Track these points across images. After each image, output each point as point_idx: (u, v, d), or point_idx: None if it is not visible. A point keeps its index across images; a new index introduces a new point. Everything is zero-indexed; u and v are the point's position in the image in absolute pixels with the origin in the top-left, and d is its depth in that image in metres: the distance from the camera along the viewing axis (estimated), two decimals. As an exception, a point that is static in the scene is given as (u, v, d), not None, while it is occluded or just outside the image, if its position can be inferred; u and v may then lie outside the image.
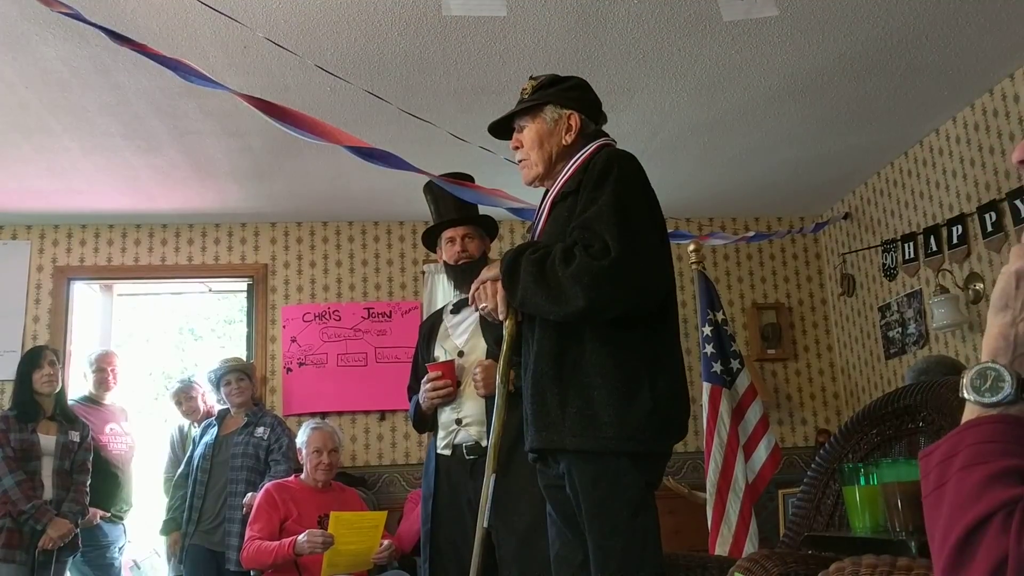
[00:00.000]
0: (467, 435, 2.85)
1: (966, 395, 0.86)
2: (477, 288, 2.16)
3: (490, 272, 2.12)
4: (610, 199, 1.97)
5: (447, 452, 2.89)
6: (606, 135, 2.25)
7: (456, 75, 3.79)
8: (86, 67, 3.60)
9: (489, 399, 2.70)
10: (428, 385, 2.88)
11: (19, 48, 3.43)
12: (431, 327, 3.12)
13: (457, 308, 3.05)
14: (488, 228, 3.08)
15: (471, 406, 2.86)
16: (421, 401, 2.93)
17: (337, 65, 3.55)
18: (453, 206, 3.06)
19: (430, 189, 3.11)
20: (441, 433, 2.92)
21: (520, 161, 2.23)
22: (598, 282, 1.89)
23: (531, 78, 2.28)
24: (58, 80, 3.69)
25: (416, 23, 3.38)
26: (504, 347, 2.17)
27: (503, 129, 2.29)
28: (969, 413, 0.86)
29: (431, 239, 3.12)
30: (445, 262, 3.03)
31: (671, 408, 2.00)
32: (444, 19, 3.34)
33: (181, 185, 4.98)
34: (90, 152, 4.44)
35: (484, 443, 2.75)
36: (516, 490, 2.64)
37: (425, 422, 3.00)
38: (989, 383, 0.85)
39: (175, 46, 3.33)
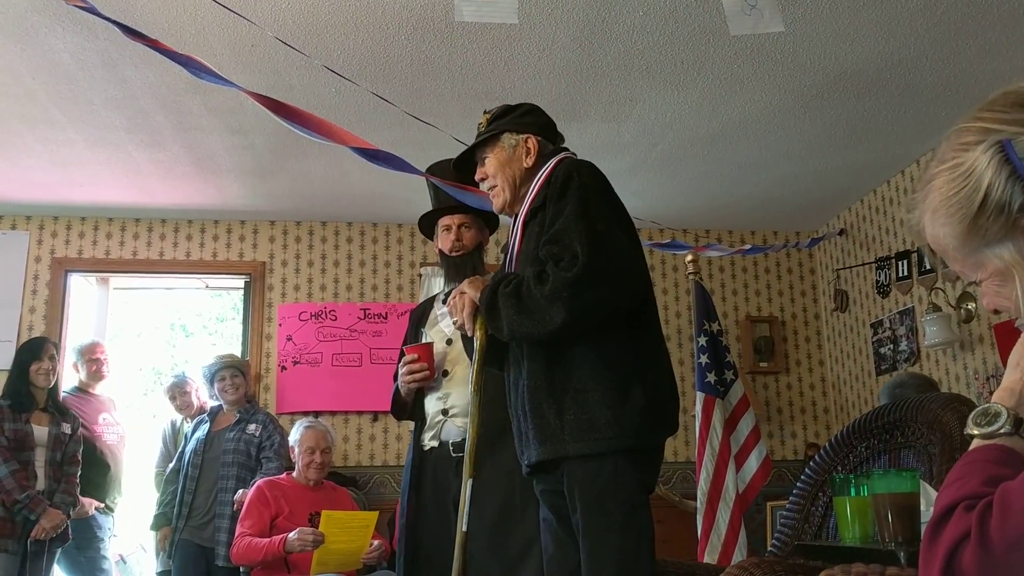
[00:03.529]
0: (453, 428, 2.75)
1: (970, 430, 0.98)
2: (454, 300, 2.20)
3: (469, 288, 2.16)
4: (574, 208, 2.02)
5: (434, 444, 2.80)
6: (565, 149, 2.31)
7: (461, 80, 3.82)
8: (93, 60, 3.62)
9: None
10: (404, 368, 2.79)
11: (28, 39, 3.45)
12: (421, 314, 3.05)
13: (448, 297, 3.02)
14: (488, 218, 3.00)
15: (459, 396, 2.75)
16: (399, 385, 2.86)
17: (343, 66, 3.58)
18: (444, 195, 2.97)
19: (432, 172, 3.04)
20: (428, 423, 2.83)
21: (490, 190, 2.30)
22: (576, 292, 1.93)
23: (485, 112, 2.36)
24: (65, 72, 3.71)
25: (423, 28, 3.42)
26: (476, 357, 2.21)
27: (468, 166, 2.37)
28: (973, 445, 0.98)
29: (429, 225, 3.01)
30: (440, 251, 2.96)
31: (665, 402, 2.05)
32: (451, 24, 3.37)
33: (182, 180, 5.00)
34: (93, 145, 4.46)
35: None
36: (483, 483, 2.57)
37: (403, 408, 2.92)
38: (988, 418, 0.97)
39: (183, 42, 3.35)
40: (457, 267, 2.86)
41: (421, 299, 5.65)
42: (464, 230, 2.89)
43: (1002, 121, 0.94)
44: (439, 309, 2.96)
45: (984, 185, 0.92)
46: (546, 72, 3.71)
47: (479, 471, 2.51)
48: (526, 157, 2.25)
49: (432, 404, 2.83)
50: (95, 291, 5.84)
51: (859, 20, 3.42)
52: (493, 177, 2.28)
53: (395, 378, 2.95)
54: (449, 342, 2.85)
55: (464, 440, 2.69)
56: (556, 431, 2.00)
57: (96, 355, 4.87)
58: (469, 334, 2.19)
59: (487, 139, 2.29)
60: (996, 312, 1.03)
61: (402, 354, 2.92)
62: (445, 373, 2.81)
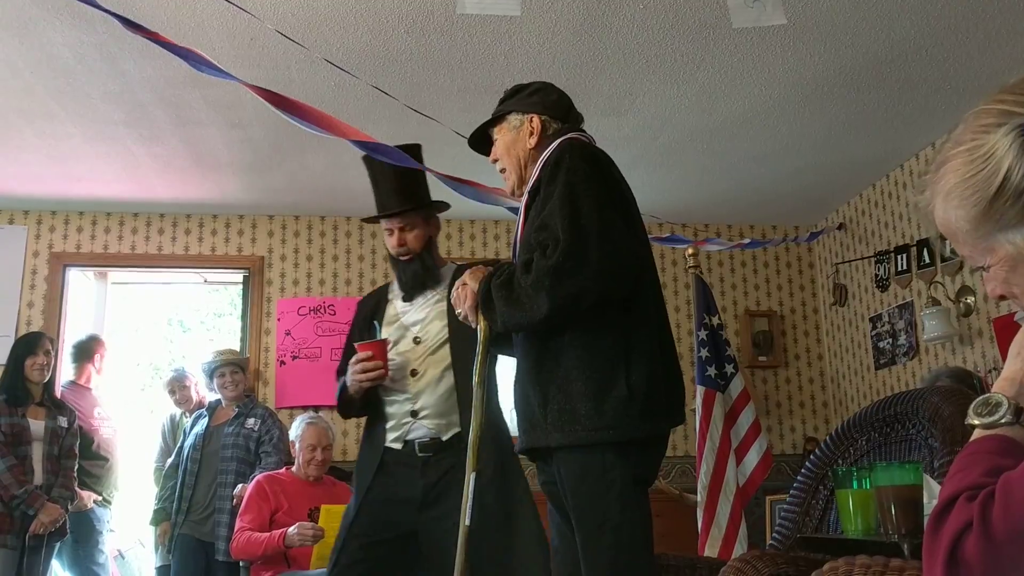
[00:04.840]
0: (423, 429, 2.63)
1: (971, 420, 0.98)
2: (458, 290, 2.19)
3: (471, 279, 2.14)
4: (560, 192, 1.98)
5: (396, 446, 2.65)
6: (579, 131, 2.24)
7: (461, 74, 3.81)
8: (92, 54, 3.60)
9: (458, 389, 2.58)
10: (357, 366, 2.61)
11: (26, 33, 3.43)
12: (375, 305, 2.86)
13: (409, 296, 2.78)
14: (433, 209, 2.82)
15: (430, 397, 2.63)
16: (348, 383, 2.67)
17: (343, 60, 3.57)
18: (393, 192, 2.75)
19: (369, 165, 2.82)
20: (391, 423, 2.67)
21: (501, 172, 2.28)
22: (556, 280, 1.90)
23: (505, 91, 2.34)
24: (63, 66, 3.70)
25: (423, 21, 3.41)
26: (480, 348, 2.19)
27: (485, 147, 2.35)
28: (974, 436, 0.98)
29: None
30: (387, 250, 2.83)
31: (651, 394, 1.96)
32: (451, 17, 3.36)
33: (180, 175, 4.98)
34: (92, 139, 4.45)
35: (444, 437, 2.61)
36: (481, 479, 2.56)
37: (351, 406, 2.76)
38: (989, 408, 0.97)
39: (182, 35, 3.34)
40: (405, 270, 2.75)
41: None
42: (406, 233, 2.73)
43: None
44: (399, 306, 2.80)
45: (1004, 168, 0.91)
46: (546, 65, 3.70)
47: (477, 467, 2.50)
48: (529, 137, 2.21)
49: (398, 405, 2.68)
50: (93, 286, 5.83)
51: (859, 14, 3.41)
52: (502, 159, 2.26)
53: (339, 373, 2.81)
54: (417, 340, 2.71)
55: (434, 439, 2.62)
56: (540, 420, 1.99)
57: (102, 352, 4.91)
58: (473, 326, 2.17)
59: (496, 119, 2.28)
60: (1001, 299, 1.02)
61: (349, 350, 2.76)
62: (414, 373, 2.67)
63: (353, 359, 2.64)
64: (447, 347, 2.66)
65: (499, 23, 3.40)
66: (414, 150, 2.88)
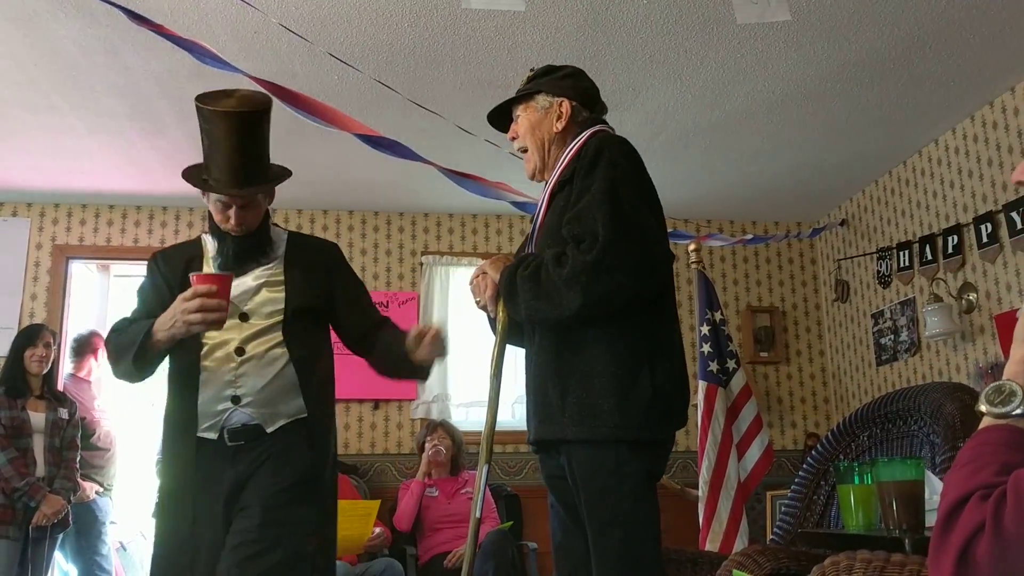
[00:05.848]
0: (244, 416, 2.27)
1: (981, 407, 0.95)
2: (476, 279, 2.16)
3: (491, 269, 2.11)
4: (601, 185, 1.95)
5: (211, 435, 2.27)
6: (603, 123, 2.22)
7: (464, 68, 3.81)
8: (96, 47, 3.61)
9: (299, 374, 2.33)
10: (195, 302, 2.12)
11: (30, 26, 3.44)
12: (187, 265, 2.39)
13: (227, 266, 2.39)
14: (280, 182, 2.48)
15: (256, 380, 2.28)
16: (169, 326, 2.18)
17: (346, 54, 3.57)
18: (238, 166, 2.27)
19: (216, 117, 2.26)
20: (204, 409, 2.28)
21: (521, 152, 2.24)
22: (594, 276, 1.87)
23: (530, 70, 2.29)
24: (67, 59, 3.70)
25: (427, 15, 3.41)
26: (498, 339, 2.17)
27: (503, 122, 2.31)
28: (984, 424, 0.95)
29: (196, 174, 2.40)
30: (211, 217, 2.39)
31: (672, 395, 1.98)
32: (454, 12, 3.36)
33: (183, 168, 4.98)
34: (95, 132, 4.45)
35: (269, 429, 2.28)
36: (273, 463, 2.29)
37: (150, 361, 2.28)
38: (1003, 397, 0.94)
39: (186, 28, 3.34)
40: (236, 243, 2.35)
41: (421, 291, 5.64)
42: (246, 212, 2.33)
43: None
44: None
45: None
46: (549, 60, 3.66)
47: (249, 457, 2.26)
48: (557, 121, 2.17)
49: (216, 388, 2.29)
50: (96, 278, 5.83)
51: (862, 10, 3.41)
52: (523, 138, 2.22)
53: (117, 332, 2.34)
54: (245, 316, 2.33)
55: (253, 427, 2.27)
56: (557, 412, 1.97)
57: (94, 345, 4.91)
58: (492, 316, 2.14)
59: (522, 97, 2.23)
60: (1020, 183, 1.00)
61: (146, 305, 2.36)
62: (240, 352, 2.30)
63: (188, 293, 2.15)
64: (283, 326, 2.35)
65: (503, 18, 3.40)
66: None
